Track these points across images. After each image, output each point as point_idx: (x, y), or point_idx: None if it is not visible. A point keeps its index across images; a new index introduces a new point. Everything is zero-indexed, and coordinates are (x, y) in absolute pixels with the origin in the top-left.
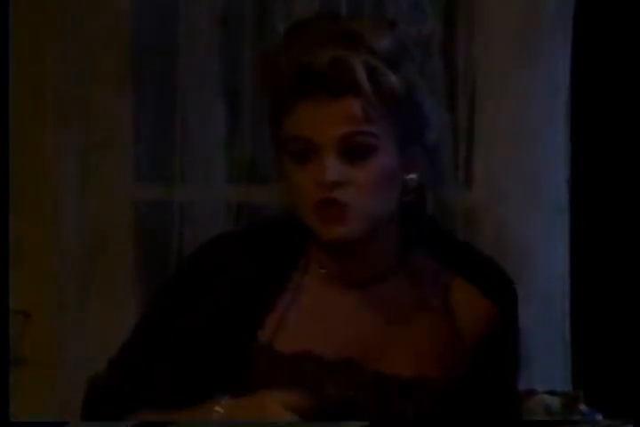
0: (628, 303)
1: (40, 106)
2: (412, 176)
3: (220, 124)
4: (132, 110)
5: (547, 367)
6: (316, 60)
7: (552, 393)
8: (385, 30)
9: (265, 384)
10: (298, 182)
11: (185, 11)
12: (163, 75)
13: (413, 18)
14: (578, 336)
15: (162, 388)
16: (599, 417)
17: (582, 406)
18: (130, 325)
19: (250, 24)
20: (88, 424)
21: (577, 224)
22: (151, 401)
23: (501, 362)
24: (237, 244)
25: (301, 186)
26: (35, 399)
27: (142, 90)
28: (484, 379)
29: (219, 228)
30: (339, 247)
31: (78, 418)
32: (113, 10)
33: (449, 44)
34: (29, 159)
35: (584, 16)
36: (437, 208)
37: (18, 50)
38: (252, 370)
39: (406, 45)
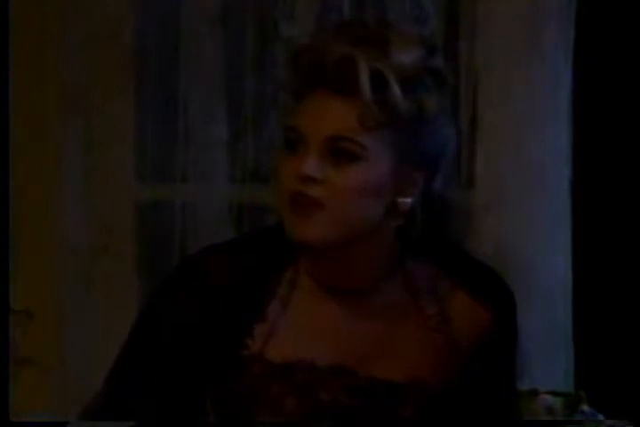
0: (631, 303)
1: (42, 105)
2: (406, 200)
3: (222, 123)
4: (133, 110)
5: (549, 368)
6: (327, 54)
7: (554, 394)
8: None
9: (258, 393)
10: (282, 173)
11: (186, 10)
12: (164, 74)
13: (415, 18)
14: (580, 337)
15: (152, 397)
16: (601, 418)
17: (585, 407)
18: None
19: (251, 24)
20: (88, 424)
21: (579, 225)
22: (142, 409)
23: (498, 368)
24: (225, 254)
25: (283, 177)
26: (36, 399)
27: (144, 90)
28: (479, 384)
29: (221, 227)
30: (314, 253)
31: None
32: (114, 9)
33: (451, 45)
34: (32, 159)
35: (586, 16)
36: (439, 209)
37: (20, 50)
38: (244, 379)
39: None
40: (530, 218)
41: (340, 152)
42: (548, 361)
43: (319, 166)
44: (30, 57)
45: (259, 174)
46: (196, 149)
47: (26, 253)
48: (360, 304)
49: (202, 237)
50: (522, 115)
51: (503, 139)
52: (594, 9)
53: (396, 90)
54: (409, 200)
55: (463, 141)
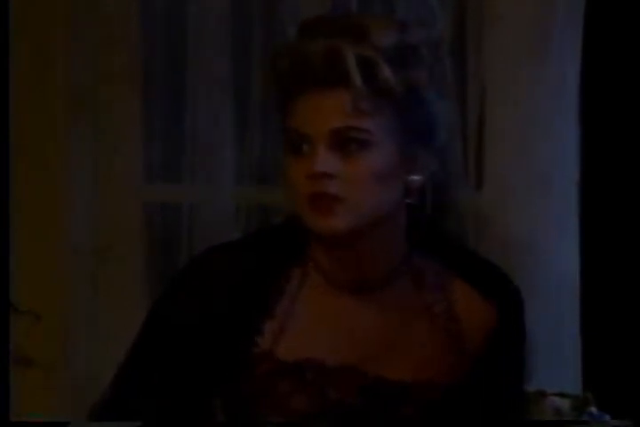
0: (639, 304)
1: (48, 106)
2: (415, 178)
3: (229, 125)
4: (140, 111)
5: (557, 369)
6: (311, 50)
7: (562, 395)
8: (393, 30)
9: (267, 391)
10: (292, 175)
11: (192, 10)
12: (171, 76)
13: (423, 20)
14: (588, 338)
15: (160, 397)
16: (608, 419)
17: (592, 409)
18: (138, 326)
19: (258, 24)
20: (89, 424)
21: (587, 225)
22: (150, 409)
23: (505, 366)
24: (229, 253)
25: (295, 179)
26: (39, 400)
27: (151, 90)
28: (486, 383)
29: (227, 229)
30: (335, 244)
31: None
32: (120, 10)
33: (459, 46)
34: (38, 160)
35: (594, 16)
36: (447, 209)
37: (26, 50)
38: (253, 378)
39: (416, 48)
40: (537, 218)
41: (348, 143)
42: (555, 362)
43: (330, 161)
44: (37, 57)
45: (265, 176)
46: (203, 151)
47: (32, 254)
48: (370, 302)
49: (209, 239)
50: (529, 115)
51: (511, 139)
52: (602, 9)
53: (386, 71)
54: (418, 178)
55: (471, 142)
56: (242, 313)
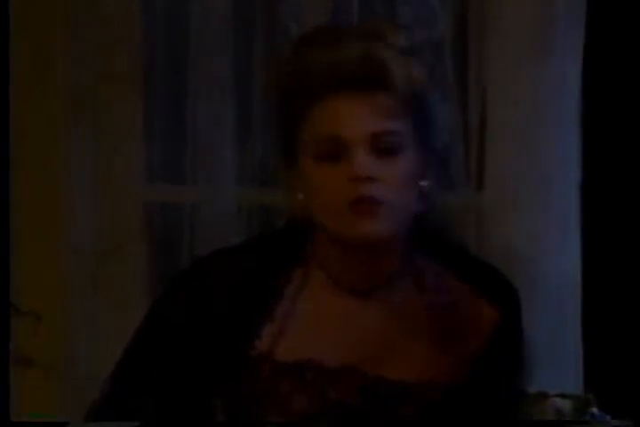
0: None
1: (50, 106)
2: (425, 183)
3: (230, 124)
4: (142, 111)
5: (558, 371)
6: (346, 55)
7: (563, 396)
8: (399, 30)
9: (267, 392)
10: (327, 183)
11: (194, 10)
12: (173, 75)
13: (425, 20)
14: (590, 339)
15: (159, 397)
16: (609, 420)
17: (594, 410)
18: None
19: (260, 24)
20: (88, 424)
21: (589, 225)
22: (148, 409)
23: (505, 367)
24: (231, 256)
25: (332, 186)
26: (40, 400)
27: (152, 90)
28: (487, 383)
29: (229, 229)
30: (358, 248)
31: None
32: (123, 10)
33: (460, 46)
34: (40, 160)
35: (595, 16)
36: (448, 210)
37: (28, 51)
38: (253, 379)
39: (417, 48)
40: (538, 218)
41: (385, 146)
42: (556, 363)
43: (373, 166)
44: (37, 57)
45: (268, 176)
46: (203, 151)
47: (32, 254)
48: (370, 303)
49: (210, 239)
50: (530, 115)
51: (512, 139)
52: (603, 10)
53: (419, 72)
54: (427, 184)
55: (472, 142)
56: (241, 314)
